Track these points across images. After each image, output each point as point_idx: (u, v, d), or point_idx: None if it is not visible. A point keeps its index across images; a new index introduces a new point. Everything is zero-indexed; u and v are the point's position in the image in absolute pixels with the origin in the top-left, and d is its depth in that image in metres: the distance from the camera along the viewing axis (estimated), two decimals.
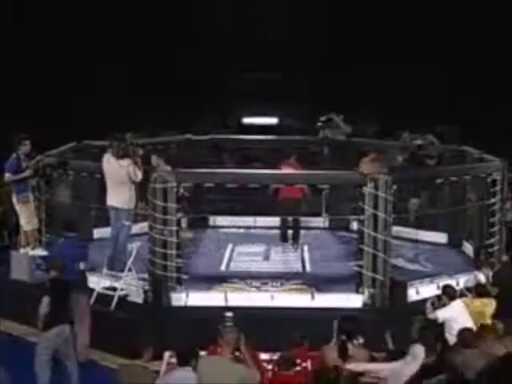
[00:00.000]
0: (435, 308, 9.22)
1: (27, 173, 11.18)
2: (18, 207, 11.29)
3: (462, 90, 18.28)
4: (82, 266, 9.65)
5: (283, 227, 13.21)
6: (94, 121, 17.14)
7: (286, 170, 12.41)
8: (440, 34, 18.57)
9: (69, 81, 18.29)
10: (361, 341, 7.80)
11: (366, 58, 18.95)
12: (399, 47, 18.69)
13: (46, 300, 8.22)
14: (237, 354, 7.45)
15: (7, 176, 11.18)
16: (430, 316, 9.13)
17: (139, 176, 10.32)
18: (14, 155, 11.17)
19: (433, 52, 18.57)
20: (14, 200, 11.26)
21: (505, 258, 10.98)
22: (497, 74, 18.11)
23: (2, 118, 16.61)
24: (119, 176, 10.48)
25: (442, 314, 9.01)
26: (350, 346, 7.34)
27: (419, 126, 15.74)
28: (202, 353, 7.31)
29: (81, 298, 9.42)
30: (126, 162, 10.48)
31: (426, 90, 18.48)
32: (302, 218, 13.37)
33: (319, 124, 14.49)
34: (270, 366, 7.98)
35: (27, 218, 11.27)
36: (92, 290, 10.03)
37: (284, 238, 13.09)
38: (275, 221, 14.10)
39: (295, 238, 13.04)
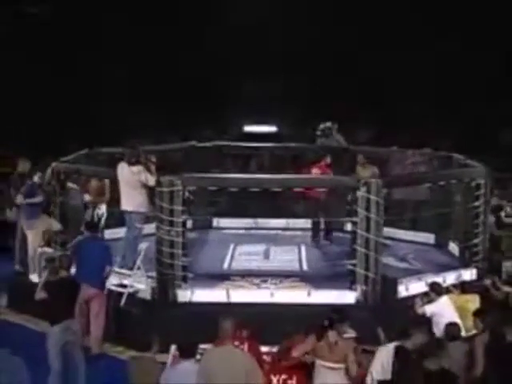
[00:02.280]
0: (423, 303, 9.27)
1: (37, 199, 11.25)
2: (26, 231, 11.37)
3: (459, 94, 18.24)
4: (107, 268, 9.79)
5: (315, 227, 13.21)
6: (94, 125, 17.16)
7: (316, 173, 12.46)
8: (440, 35, 18.45)
9: (69, 85, 18.24)
10: (353, 334, 7.85)
11: (363, 64, 18.90)
12: (396, 52, 18.65)
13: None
14: (241, 347, 7.53)
15: (19, 198, 11.33)
16: (419, 311, 9.18)
17: (151, 181, 10.35)
18: (30, 182, 11.36)
19: (432, 55, 18.48)
20: (23, 223, 11.36)
21: None
22: (496, 76, 17.99)
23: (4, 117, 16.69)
24: (131, 181, 10.53)
25: (429, 309, 9.07)
26: (331, 333, 7.35)
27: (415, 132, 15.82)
28: (207, 346, 7.34)
29: (99, 295, 9.59)
30: (137, 169, 10.53)
31: (422, 95, 18.47)
32: (297, 220, 13.41)
33: (318, 133, 14.51)
34: (269, 358, 8.06)
35: (30, 242, 11.30)
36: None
37: (315, 236, 13.14)
38: (276, 222, 14.16)
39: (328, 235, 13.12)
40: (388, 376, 6.87)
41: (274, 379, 7.36)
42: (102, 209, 12.38)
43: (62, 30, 18.73)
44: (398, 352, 7.03)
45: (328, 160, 12.97)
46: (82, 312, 9.42)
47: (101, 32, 18.83)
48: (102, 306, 9.68)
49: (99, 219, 12.13)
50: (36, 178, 11.36)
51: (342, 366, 7.24)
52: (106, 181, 12.28)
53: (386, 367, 6.94)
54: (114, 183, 10.96)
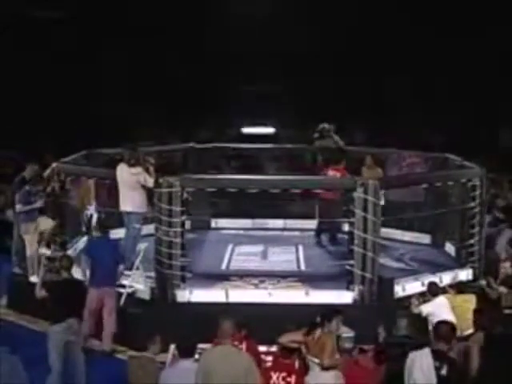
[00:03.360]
0: (419, 303, 9.28)
1: (37, 204, 11.14)
2: (24, 236, 11.32)
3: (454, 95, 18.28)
4: (121, 267, 9.86)
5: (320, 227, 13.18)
6: (96, 130, 17.17)
7: (334, 175, 12.41)
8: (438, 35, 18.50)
9: (69, 86, 18.22)
10: (350, 334, 7.85)
11: (362, 65, 18.91)
12: (391, 59, 18.65)
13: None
14: (240, 346, 7.53)
15: (18, 207, 11.25)
16: (415, 310, 9.19)
17: (150, 183, 10.36)
18: (27, 187, 11.21)
19: (430, 56, 18.48)
20: (21, 228, 11.31)
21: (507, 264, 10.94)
22: (493, 77, 17.99)
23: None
24: (131, 182, 10.54)
25: (425, 309, 9.08)
26: (319, 330, 7.35)
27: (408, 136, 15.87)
28: (206, 345, 7.35)
29: (112, 294, 9.67)
30: (136, 170, 10.54)
31: (419, 96, 18.51)
32: (295, 221, 13.37)
33: (315, 135, 14.50)
34: (268, 358, 8.07)
35: (28, 245, 11.24)
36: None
37: (319, 235, 13.11)
38: (274, 223, 14.15)
39: (333, 237, 13.04)
40: (431, 381, 6.75)
41: (274, 376, 7.40)
42: (91, 209, 12.37)
43: (62, 32, 18.74)
44: (443, 357, 6.88)
45: (344, 163, 12.89)
46: (94, 313, 9.50)
47: (102, 32, 18.82)
48: (114, 304, 9.74)
49: (89, 220, 12.12)
50: (33, 186, 11.22)
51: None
52: (91, 181, 12.27)
53: (426, 372, 6.82)
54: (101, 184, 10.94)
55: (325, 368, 7.24)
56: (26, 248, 11.26)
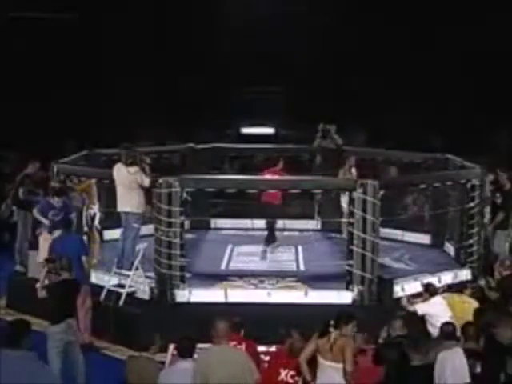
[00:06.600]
0: (412, 303, 9.26)
1: (45, 221, 11.00)
2: (40, 236, 11.22)
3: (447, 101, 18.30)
4: (83, 259, 9.79)
5: (268, 229, 13.02)
6: (97, 132, 17.18)
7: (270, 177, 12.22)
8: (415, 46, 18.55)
9: (73, 95, 18.26)
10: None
11: (359, 70, 18.93)
12: (387, 61, 18.68)
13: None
14: (239, 346, 7.53)
15: (34, 211, 11.25)
16: (410, 309, 9.16)
17: (146, 182, 10.36)
18: (49, 198, 11.12)
19: (428, 56, 18.53)
20: (44, 227, 11.21)
21: (508, 262, 10.92)
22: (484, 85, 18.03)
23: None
24: (128, 182, 10.55)
25: (420, 308, 9.05)
26: (334, 333, 7.26)
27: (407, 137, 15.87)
28: (205, 345, 7.35)
29: (82, 287, 9.47)
30: (133, 169, 10.54)
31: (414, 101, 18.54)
32: (294, 221, 13.40)
33: (318, 134, 14.47)
34: (266, 358, 8.07)
35: (42, 249, 11.03)
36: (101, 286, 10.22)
37: (269, 240, 12.87)
38: None
39: (269, 239, 12.82)
40: (465, 380, 6.72)
41: (283, 373, 7.39)
42: (94, 208, 12.35)
43: (64, 32, 18.78)
44: (476, 355, 6.89)
45: (281, 165, 12.61)
46: None
47: (102, 33, 18.85)
48: (85, 297, 9.55)
49: (92, 219, 12.10)
50: (56, 199, 11.15)
51: (340, 365, 7.15)
52: (93, 180, 12.26)
53: (460, 371, 6.80)
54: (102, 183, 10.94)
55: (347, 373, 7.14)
56: (39, 252, 11.17)
